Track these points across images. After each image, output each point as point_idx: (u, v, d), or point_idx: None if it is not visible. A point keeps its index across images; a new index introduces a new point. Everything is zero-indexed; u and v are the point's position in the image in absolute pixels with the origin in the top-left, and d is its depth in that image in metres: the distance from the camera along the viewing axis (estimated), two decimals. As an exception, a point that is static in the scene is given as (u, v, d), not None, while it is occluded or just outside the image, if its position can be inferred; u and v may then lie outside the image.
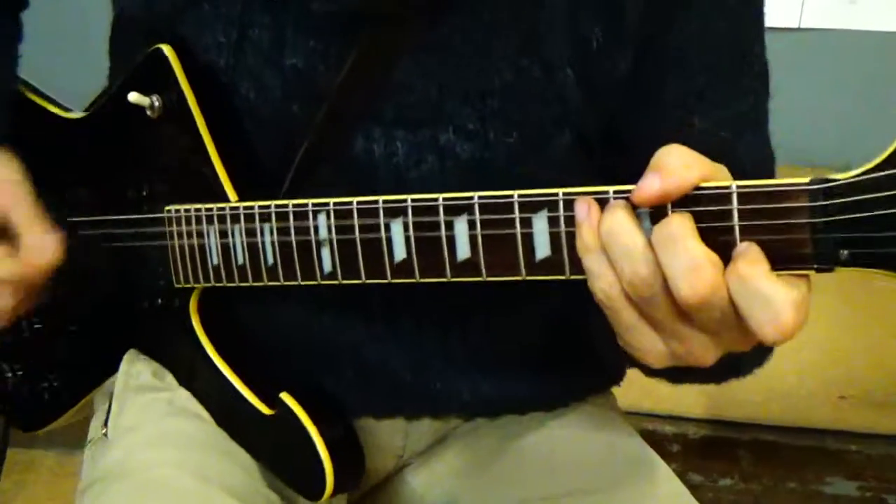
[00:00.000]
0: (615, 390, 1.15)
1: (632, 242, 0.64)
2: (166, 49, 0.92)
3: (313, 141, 0.89)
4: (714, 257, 0.62)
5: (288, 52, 0.88)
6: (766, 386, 1.88)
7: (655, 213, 0.65)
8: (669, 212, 0.64)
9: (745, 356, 0.70)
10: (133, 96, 0.93)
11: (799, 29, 2.27)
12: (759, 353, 0.86)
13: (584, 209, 0.67)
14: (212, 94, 0.92)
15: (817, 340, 1.96)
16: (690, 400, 1.87)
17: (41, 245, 0.96)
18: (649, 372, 0.86)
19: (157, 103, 0.93)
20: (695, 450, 1.88)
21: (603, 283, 0.66)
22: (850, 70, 2.25)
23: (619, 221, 0.65)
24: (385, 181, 0.89)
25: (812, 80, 2.25)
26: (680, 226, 0.62)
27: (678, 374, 0.82)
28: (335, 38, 0.87)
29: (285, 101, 0.90)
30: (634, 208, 0.65)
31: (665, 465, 1.03)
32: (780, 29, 2.27)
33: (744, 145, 0.90)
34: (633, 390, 1.11)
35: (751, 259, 0.61)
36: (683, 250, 0.62)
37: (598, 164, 0.92)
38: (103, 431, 1.04)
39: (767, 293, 0.60)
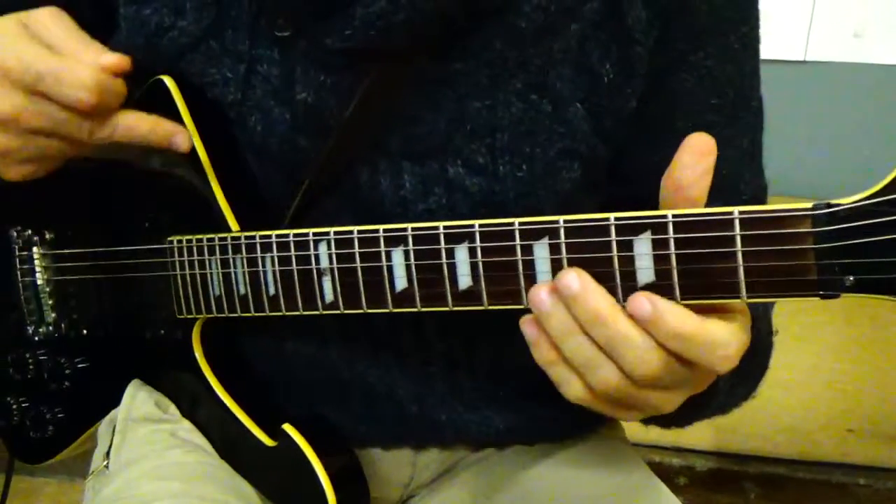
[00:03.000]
0: (622, 422, 1.14)
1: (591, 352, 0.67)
2: (167, 80, 0.92)
3: (319, 173, 0.89)
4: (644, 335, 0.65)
5: (298, 86, 0.88)
6: (773, 419, 1.87)
7: None
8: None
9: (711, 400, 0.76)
10: None
11: (804, 62, 2.27)
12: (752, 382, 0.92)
13: (534, 331, 0.69)
14: (215, 124, 0.92)
15: (824, 373, 1.95)
16: (697, 432, 1.85)
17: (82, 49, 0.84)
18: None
19: None
20: (702, 482, 1.86)
21: (575, 388, 0.69)
22: (855, 102, 2.25)
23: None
24: (392, 214, 0.89)
25: (817, 112, 2.25)
26: (602, 304, 0.66)
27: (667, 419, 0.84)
28: (346, 72, 0.87)
29: (293, 134, 0.90)
30: None
31: (673, 496, 1.02)
32: (786, 62, 2.27)
33: (741, 180, 0.92)
34: (639, 423, 1.10)
35: (670, 311, 0.63)
36: (618, 339, 0.65)
37: (601, 197, 0.92)
38: (105, 463, 1.03)
39: (708, 338, 0.64)
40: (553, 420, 1.04)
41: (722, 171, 0.90)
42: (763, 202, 0.93)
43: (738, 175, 0.92)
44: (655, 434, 1.85)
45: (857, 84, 2.25)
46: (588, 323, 0.66)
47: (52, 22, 0.85)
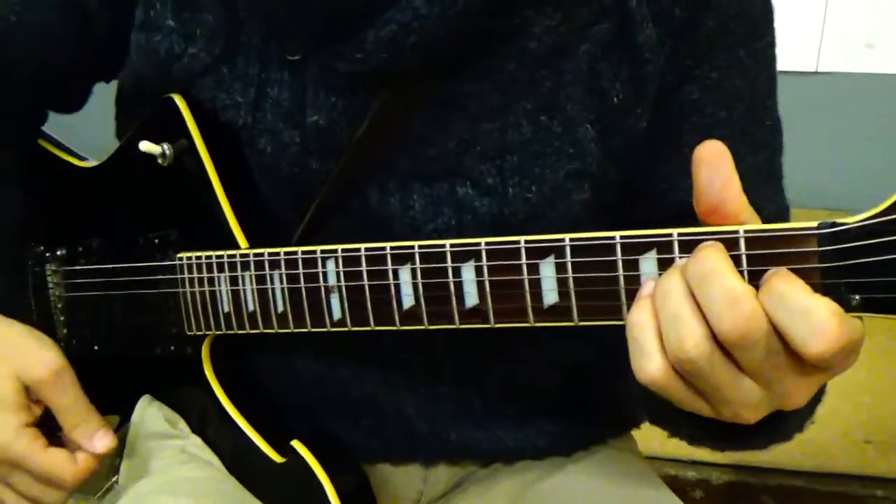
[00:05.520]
0: (636, 434, 1.14)
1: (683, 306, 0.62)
2: (177, 98, 0.92)
3: (328, 193, 0.90)
4: (751, 289, 0.60)
5: (309, 109, 0.88)
6: (790, 431, 1.86)
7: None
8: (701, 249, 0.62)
9: (790, 417, 0.69)
10: (144, 145, 0.93)
11: (816, 73, 2.27)
12: (803, 413, 0.84)
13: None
14: (225, 144, 0.92)
15: (841, 385, 1.92)
16: (712, 445, 1.85)
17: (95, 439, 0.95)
18: (691, 440, 0.85)
19: (168, 152, 0.93)
20: (718, 496, 1.85)
21: (653, 359, 0.64)
22: (867, 113, 2.25)
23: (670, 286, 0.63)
24: (401, 234, 0.89)
25: (829, 123, 2.24)
26: (715, 261, 0.61)
27: (721, 440, 0.81)
28: (357, 94, 0.87)
29: (304, 156, 0.90)
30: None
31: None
32: (798, 73, 2.27)
33: (759, 197, 0.90)
34: (655, 435, 1.09)
35: (785, 276, 0.59)
36: (720, 286, 0.60)
37: (613, 219, 0.91)
38: (115, 479, 1.04)
39: (806, 305, 0.58)
40: (562, 435, 1.03)
41: None
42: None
43: (755, 191, 0.90)
44: (671, 447, 1.83)
45: (869, 94, 2.25)
46: (696, 277, 0.61)
47: (53, 386, 0.93)
